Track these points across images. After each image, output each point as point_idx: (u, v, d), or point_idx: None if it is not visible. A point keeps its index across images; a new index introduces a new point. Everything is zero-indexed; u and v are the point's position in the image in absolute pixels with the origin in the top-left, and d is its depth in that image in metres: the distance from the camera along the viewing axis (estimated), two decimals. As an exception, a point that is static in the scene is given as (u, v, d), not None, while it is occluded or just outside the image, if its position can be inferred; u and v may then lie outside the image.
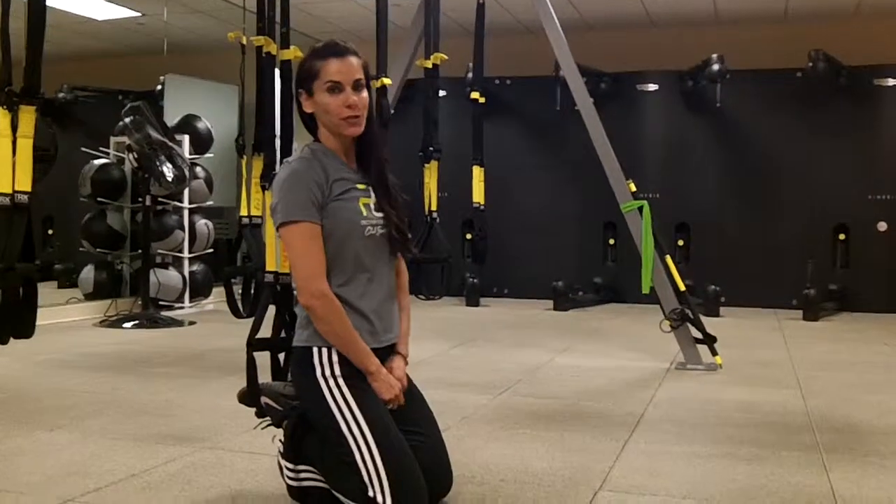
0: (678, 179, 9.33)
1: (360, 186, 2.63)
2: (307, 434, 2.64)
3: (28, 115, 3.26)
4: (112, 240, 8.19)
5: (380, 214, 2.63)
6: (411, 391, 2.69)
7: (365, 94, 2.60)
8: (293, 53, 3.65)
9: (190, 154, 8.27)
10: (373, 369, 2.54)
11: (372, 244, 2.61)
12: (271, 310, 3.42)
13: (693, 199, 9.31)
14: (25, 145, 3.26)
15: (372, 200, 2.63)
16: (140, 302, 7.52)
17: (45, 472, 3.07)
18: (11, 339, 3.40)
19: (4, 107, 3.24)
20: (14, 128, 3.24)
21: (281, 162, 3.65)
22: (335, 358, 2.52)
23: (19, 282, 3.32)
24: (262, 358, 3.21)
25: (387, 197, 2.67)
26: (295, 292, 2.67)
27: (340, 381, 2.50)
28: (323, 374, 2.51)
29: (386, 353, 2.64)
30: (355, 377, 2.52)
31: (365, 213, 2.59)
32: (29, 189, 3.29)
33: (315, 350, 2.54)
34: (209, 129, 8.79)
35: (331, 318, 2.50)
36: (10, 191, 3.24)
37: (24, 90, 3.26)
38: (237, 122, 9.80)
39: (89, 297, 8.05)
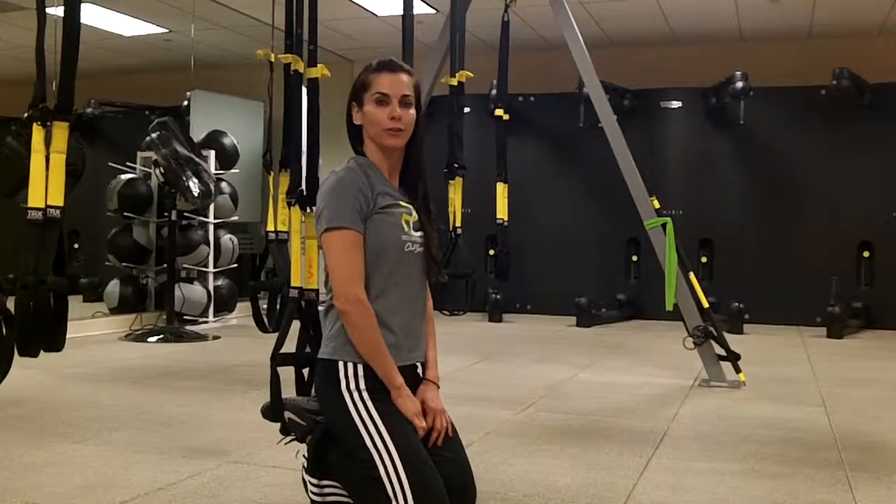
0: (702, 196, 9.31)
1: (403, 203, 2.65)
2: (331, 449, 2.65)
3: (61, 132, 3.32)
4: (138, 254, 8.26)
5: (419, 233, 2.65)
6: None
7: (412, 111, 2.62)
8: (320, 71, 3.68)
9: (216, 169, 8.35)
10: (398, 384, 2.53)
11: (408, 261, 2.61)
12: (296, 325, 3.45)
13: (716, 215, 9.30)
14: (58, 160, 3.31)
15: (413, 219, 2.65)
16: (165, 316, 7.57)
17: (72, 485, 3.11)
18: (41, 353, 3.44)
19: (39, 123, 3.30)
20: (47, 143, 3.29)
21: (307, 179, 3.68)
22: (360, 372, 2.52)
23: (50, 296, 3.37)
24: (287, 373, 3.23)
25: (428, 218, 2.69)
26: (321, 307, 2.69)
27: (365, 395, 2.50)
28: (348, 388, 2.52)
29: (407, 373, 2.60)
30: (380, 391, 2.52)
31: (406, 230, 2.61)
32: (61, 204, 3.33)
33: (340, 364, 2.54)
34: (235, 144, 8.87)
35: (363, 325, 2.51)
36: (42, 205, 3.30)
37: (58, 107, 3.32)
38: (262, 138, 9.87)
39: (114, 311, 8.13)
